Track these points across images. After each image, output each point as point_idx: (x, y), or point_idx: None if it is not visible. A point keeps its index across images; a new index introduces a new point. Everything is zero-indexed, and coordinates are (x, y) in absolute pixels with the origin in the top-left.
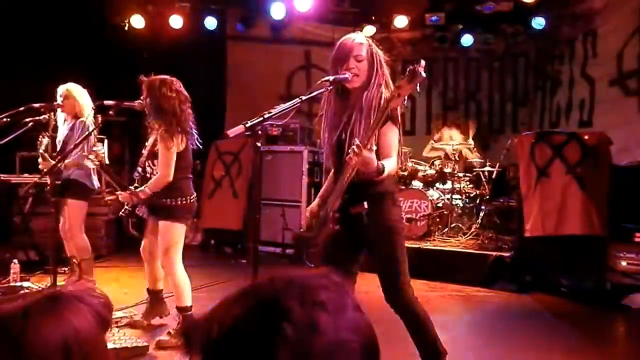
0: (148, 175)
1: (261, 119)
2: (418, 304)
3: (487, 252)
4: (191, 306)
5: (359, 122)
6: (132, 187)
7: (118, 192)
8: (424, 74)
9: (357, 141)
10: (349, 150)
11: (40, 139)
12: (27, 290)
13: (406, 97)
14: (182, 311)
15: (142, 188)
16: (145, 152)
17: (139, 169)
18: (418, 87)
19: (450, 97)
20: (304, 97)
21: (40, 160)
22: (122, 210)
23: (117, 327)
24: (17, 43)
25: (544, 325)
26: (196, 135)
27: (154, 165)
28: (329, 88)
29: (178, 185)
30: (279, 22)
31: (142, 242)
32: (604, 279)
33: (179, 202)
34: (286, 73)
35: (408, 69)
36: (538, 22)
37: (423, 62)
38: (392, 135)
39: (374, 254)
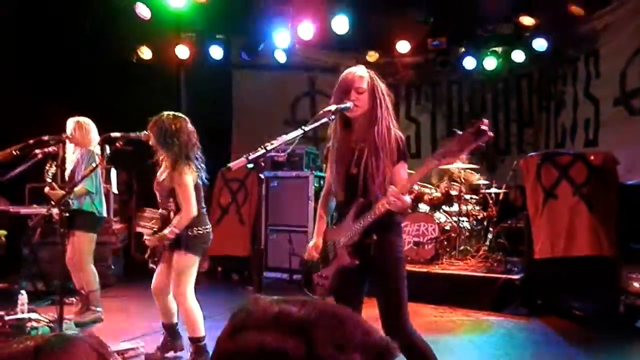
0: (169, 213)
1: (263, 151)
2: (418, 335)
3: (496, 275)
4: (204, 336)
5: (372, 158)
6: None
7: (145, 238)
8: (491, 134)
9: (393, 189)
10: (390, 198)
11: (47, 167)
12: (34, 323)
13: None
14: (195, 342)
15: (169, 228)
16: (160, 191)
17: (162, 210)
18: (483, 145)
19: (454, 120)
20: (306, 128)
21: (47, 188)
22: (151, 258)
23: (123, 358)
24: (24, 75)
25: (556, 351)
26: (204, 171)
27: (169, 203)
28: (330, 117)
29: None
30: (284, 49)
31: (156, 278)
32: (617, 301)
33: (195, 233)
34: (291, 99)
35: (474, 128)
36: (539, 44)
37: (486, 121)
38: (405, 171)
39: (378, 283)
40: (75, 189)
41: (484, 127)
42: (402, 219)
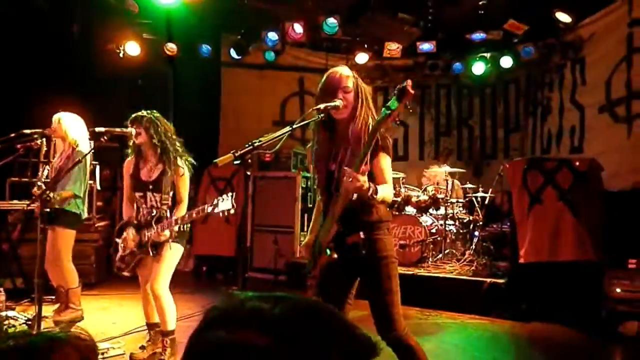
0: (154, 207)
1: (250, 147)
2: (410, 335)
3: (481, 279)
4: (175, 330)
5: (347, 154)
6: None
7: (151, 232)
8: (412, 91)
9: (347, 169)
10: (343, 179)
11: (41, 170)
12: (12, 321)
13: (397, 117)
14: (167, 335)
15: (174, 218)
16: (150, 186)
17: (158, 204)
18: (408, 105)
19: (442, 123)
20: (293, 126)
21: (35, 188)
22: (127, 258)
23: (103, 358)
24: (11, 69)
25: (539, 354)
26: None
27: (168, 198)
28: (319, 116)
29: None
30: (273, 49)
31: (145, 277)
32: (599, 306)
33: (183, 228)
34: (280, 99)
35: (396, 88)
36: (527, 51)
37: (409, 81)
38: (386, 163)
39: (369, 284)
40: (62, 191)
41: (406, 86)
42: (387, 216)
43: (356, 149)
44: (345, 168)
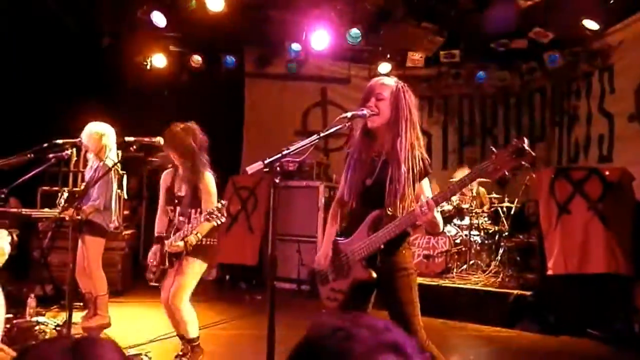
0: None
1: (280, 155)
2: (432, 346)
3: (507, 291)
4: (198, 337)
5: (394, 171)
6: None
7: (167, 242)
8: (533, 153)
9: (427, 198)
10: (421, 208)
11: (60, 195)
12: (42, 327)
13: (506, 172)
14: (191, 342)
15: (195, 233)
16: (180, 199)
17: (180, 218)
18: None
19: (466, 133)
20: (322, 134)
21: (58, 210)
22: (153, 268)
23: None
24: (43, 81)
25: None
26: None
27: (196, 209)
28: (347, 125)
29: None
30: (296, 59)
31: (164, 294)
32: (631, 319)
33: (211, 242)
34: (302, 109)
35: (514, 145)
36: (553, 59)
37: (526, 140)
38: (429, 188)
39: (389, 296)
40: (85, 207)
41: (525, 146)
42: (411, 231)
43: (402, 168)
44: (424, 197)
